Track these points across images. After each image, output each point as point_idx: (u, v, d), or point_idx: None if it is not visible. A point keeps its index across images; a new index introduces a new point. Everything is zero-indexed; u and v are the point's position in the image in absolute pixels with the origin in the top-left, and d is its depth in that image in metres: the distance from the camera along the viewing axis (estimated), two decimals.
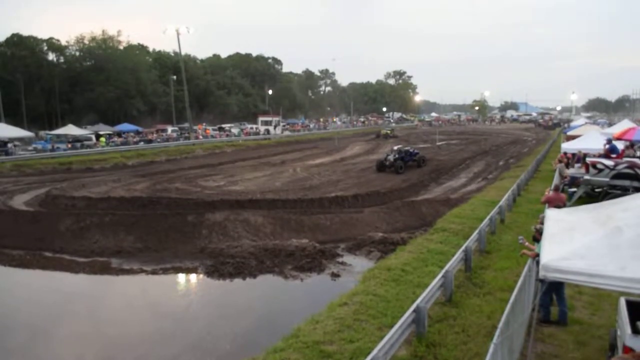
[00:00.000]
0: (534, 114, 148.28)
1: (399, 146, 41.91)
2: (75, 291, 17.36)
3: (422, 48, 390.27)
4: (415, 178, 33.90)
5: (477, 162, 45.12)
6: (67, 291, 17.28)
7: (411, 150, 40.30)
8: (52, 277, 18.43)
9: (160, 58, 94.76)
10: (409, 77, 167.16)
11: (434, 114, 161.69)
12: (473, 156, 48.85)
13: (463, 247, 12.79)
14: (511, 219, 19.01)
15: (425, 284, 10.94)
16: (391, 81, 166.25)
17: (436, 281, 10.35)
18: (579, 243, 6.46)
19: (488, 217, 16.45)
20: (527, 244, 10.18)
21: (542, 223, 9.53)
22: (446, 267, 11.05)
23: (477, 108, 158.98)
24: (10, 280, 18.59)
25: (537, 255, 8.68)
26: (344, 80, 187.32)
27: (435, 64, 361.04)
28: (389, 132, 76.15)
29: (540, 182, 27.11)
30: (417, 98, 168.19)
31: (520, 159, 45.28)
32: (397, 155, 37.66)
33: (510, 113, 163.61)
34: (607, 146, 22.94)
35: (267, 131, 76.54)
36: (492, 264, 13.70)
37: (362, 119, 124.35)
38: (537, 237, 9.69)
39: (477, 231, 14.59)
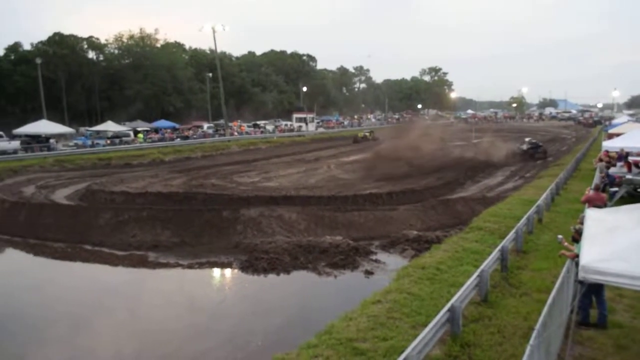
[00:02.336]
0: (574, 111, 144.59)
1: (529, 138, 49.20)
2: (114, 284, 17.77)
3: (458, 43, 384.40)
4: (451, 176, 33.54)
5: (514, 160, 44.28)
6: (107, 284, 17.72)
7: (539, 144, 46.92)
8: (92, 270, 18.90)
9: (196, 56, 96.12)
10: (445, 73, 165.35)
11: (470, 111, 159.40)
12: (510, 154, 47.93)
13: (499, 247, 12.59)
14: (549, 218, 18.63)
15: (460, 283, 10.82)
16: (426, 78, 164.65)
17: (471, 280, 10.22)
18: (620, 244, 6.31)
19: (525, 216, 16.15)
20: (566, 243, 9.98)
21: (581, 223, 9.35)
22: (482, 267, 10.90)
23: (514, 105, 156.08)
24: (52, 272, 19.13)
25: (576, 256, 8.51)
26: (378, 76, 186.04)
27: (472, 60, 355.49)
28: (367, 134, 68.19)
29: (580, 181, 26.50)
30: (453, 95, 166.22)
31: (559, 157, 44.30)
32: (531, 146, 44.75)
33: (549, 110, 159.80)
34: None
35: (301, 128, 76.76)
36: (529, 264, 13.46)
37: (396, 116, 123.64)
38: (576, 238, 9.49)
39: (514, 230, 14.34)
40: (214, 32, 63.72)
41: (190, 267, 18.63)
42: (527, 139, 48.47)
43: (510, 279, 12.27)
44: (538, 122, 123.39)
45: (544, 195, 19.79)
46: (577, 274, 6.78)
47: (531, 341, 6.15)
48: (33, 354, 12.75)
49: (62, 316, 14.78)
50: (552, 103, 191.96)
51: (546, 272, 12.52)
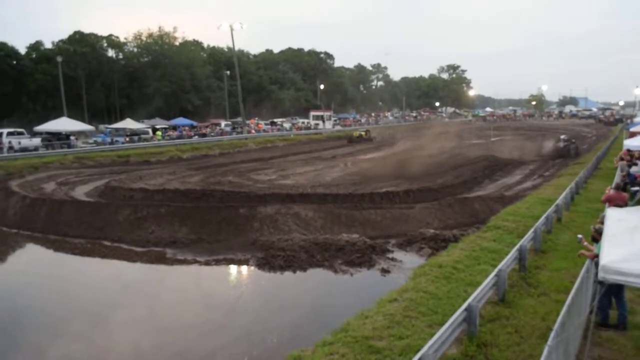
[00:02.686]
0: (594, 109, 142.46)
1: (564, 136, 50.67)
2: (133, 280, 17.99)
3: (477, 39, 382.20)
4: (469, 174, 33.30)
5: (533, 158, 43.86)
6: (125, 280, 17.93)
7: (572, 140, 49.21)
8: (111, 266, 19.15)
9: (215, 54, 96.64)
10: (463, 71, 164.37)
11: (488, 109, 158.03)
12: (529, 152, 47.55)
13: (517, 246, 12.48)
14: (569, 218, 18.41)
15: (478, 282, 10.75)
16: (444, 75, 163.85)
17: (489, 280, 10.14)
18: None
19: (544, 215, 15.97)
20: (585, 243, 9.86)
21: (602, 223, 9.23)
22: (499, 266, 10.81)
23: (534, 103, 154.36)
24: (72, 268, 19.37)
25: (596, 256, 8.41)
26: (396, 74, 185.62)
27: (491, 56, 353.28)
28: (363, 134, 63.85)
29: (600, 180, 26.14)
30: (471, 92, 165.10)
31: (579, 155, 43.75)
32: (566, 143, 46.36)
33: (569, 108, 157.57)
34: None
35: (318, 126, 76.83)
36: (547, 264, 13.32)
37: (414, 114, 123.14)
38: (596, 238, 9.38)
39: (532, 229, 14.20)
40: (232, 30, 64.00)
41: (207, 263, 18.76)
42: (562, 137, 49.61)
43: (529, 278, 12.15)
44: (558, 120, 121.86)
45: (563, 194, 19.57)
46: (596, 274, 6.69)
47: (549, 342, 6.08)
48: (53, 348, 12.94)
49: (81, 312, 14.97)
50: (573, 101, 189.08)
51: (565, 272, 12.38)
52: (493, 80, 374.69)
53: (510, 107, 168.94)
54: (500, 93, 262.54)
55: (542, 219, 15.45)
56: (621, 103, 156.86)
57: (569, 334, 7.18)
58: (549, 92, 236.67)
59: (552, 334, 6.32)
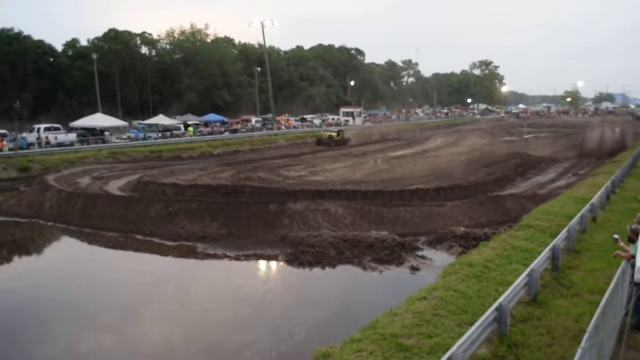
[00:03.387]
0: (632, 106, 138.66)
1: (618, 128, 54.87)
2: (164, 273, 18.29)
3: (509, 35, 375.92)
4: (501, 172, 32.81)
5: (567, 156, 42.99)
6: (157, 273, 18.25)
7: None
8: (143, 259, 19.51)
9: (245, 50, 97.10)
10: (496, 67, 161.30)
11: (521, 106, 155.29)
12: (563, 150, 46.63)
13: (550, 245, 12.26)
14: (604, 217, 18.00)
15: (509, 281, 10.59)
16: (476, 71, 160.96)
17: (520, 279, 9.99)
18: None
19: (579, 214, 15.65)
20: (621, 244, 9.62)
21: (638, 223, 9.00)
22: (532, 265, 10.64)
23: (568, 99, 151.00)
24: (105, 261, 19.79)
25: (632, 257, 8.20)
26: (427, 70, 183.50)
27: (525, 52, 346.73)
28: (334, 134, 54.86)
29: (637, 179, 25.55)
30: (504, 89, 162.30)
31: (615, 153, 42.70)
32: (620, 136, 50.11)
33: (605, 105, 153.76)
34: None
35: (348, 122, 76.73)
36: (581, 264, 13.05)
37: (445, 111, 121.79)
38: (632, 238, 9.16)
39: (566, 229, 13.92)
40: (262, 27, 64.29)
41: (237, 258, 18.94)
42: (617, 129, 54.34)
43: (562, 279, 11.93)
44: (593, 117, 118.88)
45: (598, 193, 19.15)
46: (632, 275, 6.54)
47: (582, 344, 5.96)
48: (87, 338, 13.24)
49: (114, 304, 15.28)
50: (609, 97, 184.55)
51: (600, 272, 12.12)
52: (527, 76, 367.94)
53: (544, 104, 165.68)
54: (534, 89, 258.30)
55: (576, 218, 15.15)
56: None
57: (603, 336, 7.02)
58: (585, 88, 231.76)
59: (585, 336, 6.19)
